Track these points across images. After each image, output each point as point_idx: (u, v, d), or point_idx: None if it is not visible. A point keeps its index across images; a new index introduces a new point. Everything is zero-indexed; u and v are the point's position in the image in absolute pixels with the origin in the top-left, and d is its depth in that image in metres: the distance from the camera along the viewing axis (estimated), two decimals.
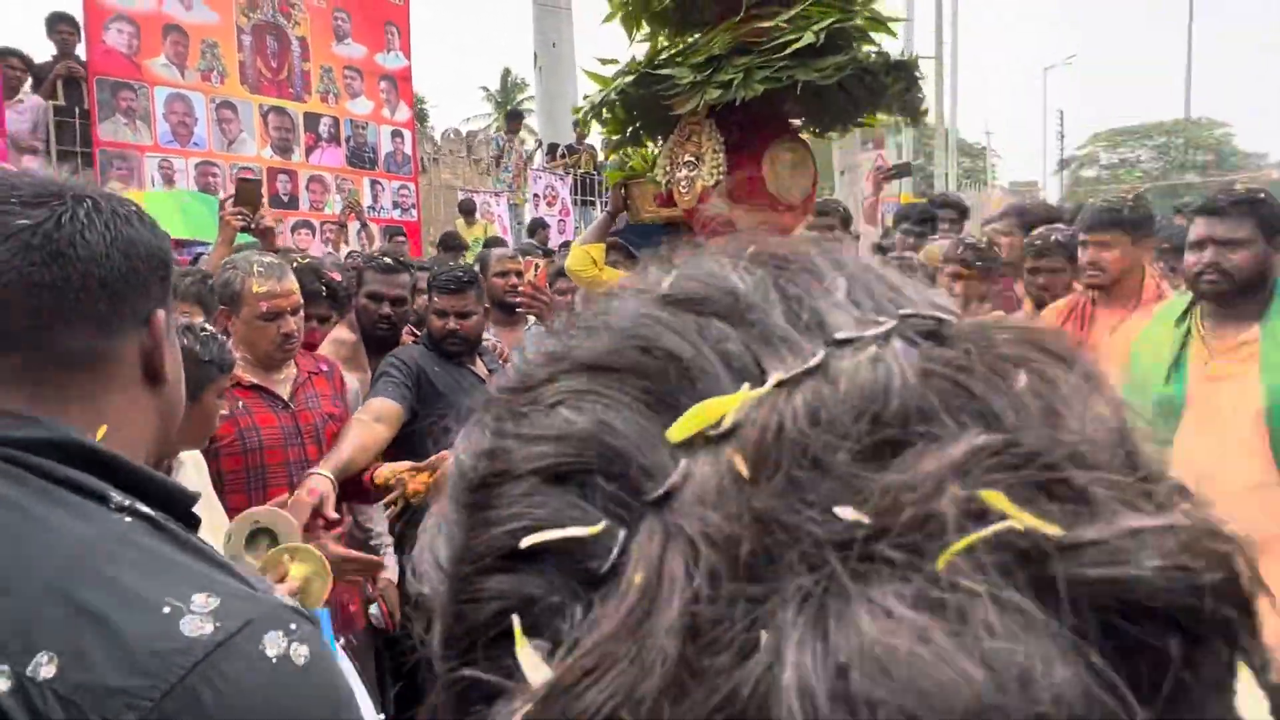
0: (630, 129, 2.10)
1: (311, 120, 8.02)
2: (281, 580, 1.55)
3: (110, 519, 0.67)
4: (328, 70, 8.10)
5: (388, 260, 3.05)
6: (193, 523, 0.75)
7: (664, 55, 1.82)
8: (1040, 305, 3.19)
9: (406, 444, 2.43)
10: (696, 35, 1.85)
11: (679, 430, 0.25)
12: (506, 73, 32.68)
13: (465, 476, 0.29)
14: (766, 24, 1.72)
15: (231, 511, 1.87)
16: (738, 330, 0.27)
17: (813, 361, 0.25)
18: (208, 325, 1.86)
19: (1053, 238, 3.22)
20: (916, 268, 2.82)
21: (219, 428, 1.88)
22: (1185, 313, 2.41)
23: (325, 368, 2.55)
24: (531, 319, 3.38)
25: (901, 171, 7.37)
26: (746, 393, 0.25)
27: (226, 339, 1.87)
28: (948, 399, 0.24)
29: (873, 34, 1.83)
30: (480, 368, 2.80)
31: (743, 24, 1.76)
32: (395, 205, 8.75)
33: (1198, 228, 2.33)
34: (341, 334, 3.04)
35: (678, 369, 0.27)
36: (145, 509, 0.69)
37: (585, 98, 2.06)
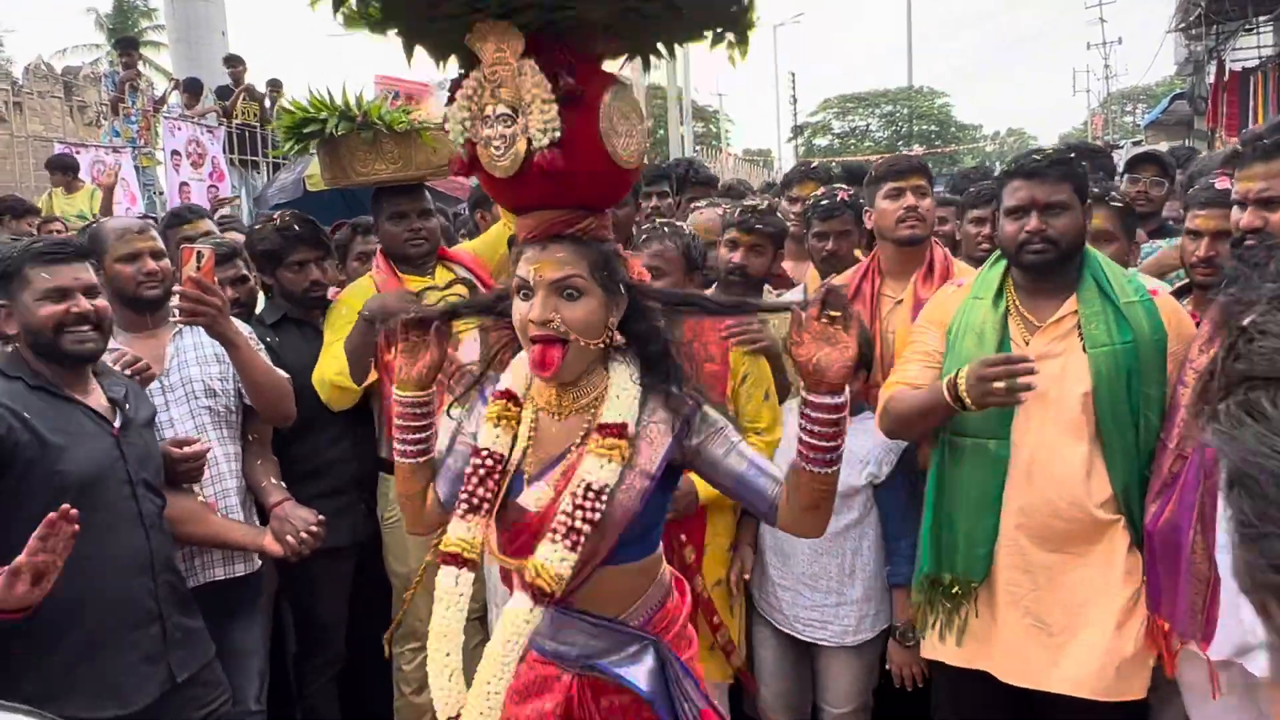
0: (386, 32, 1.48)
1: None
2: None
3: None
4: None
5: None
6: None
7: None
8: (825, 275, 3.11)
9: None
10: None
11: None
12: None
13: None
14: None
15: None
16: None
17: None
18: None
19: (839, 196, 3.15)
20: (686, 233, 2.70)
21: None
22: (1000, 288, 2.33)
23: None
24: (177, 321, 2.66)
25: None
26: None
27: None
28: None
29: None
30: (95, 396, 2.12)
31: None
32: None
33: (1017, 192, 2.23)
34: None
35: None
36: None
37: None
